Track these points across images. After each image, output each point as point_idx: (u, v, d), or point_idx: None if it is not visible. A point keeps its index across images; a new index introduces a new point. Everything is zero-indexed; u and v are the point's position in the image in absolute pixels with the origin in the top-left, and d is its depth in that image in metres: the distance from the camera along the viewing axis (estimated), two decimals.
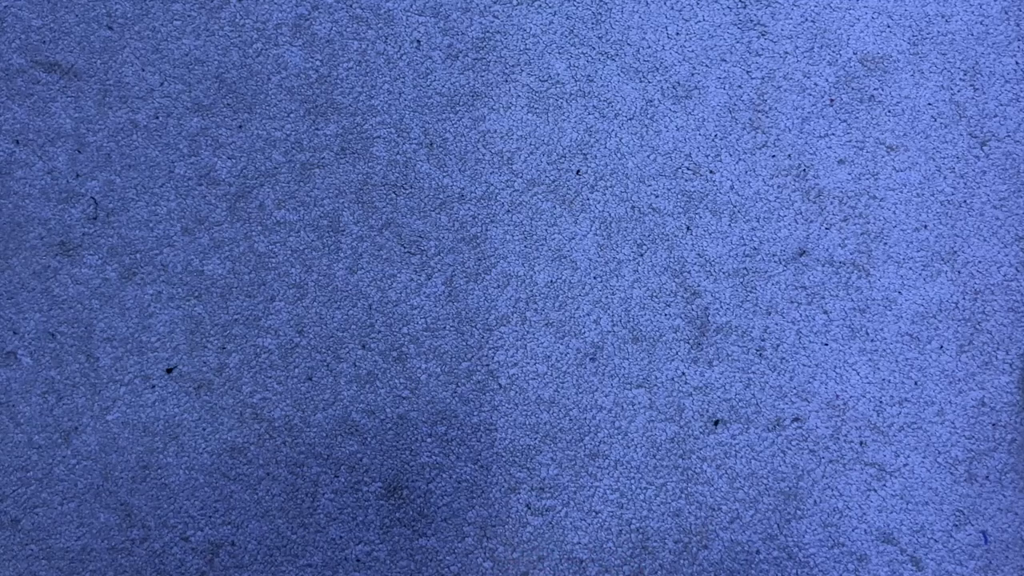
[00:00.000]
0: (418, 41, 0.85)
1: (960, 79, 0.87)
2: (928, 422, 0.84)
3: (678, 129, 0.86)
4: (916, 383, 0.84)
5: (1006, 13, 0.88)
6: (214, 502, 0.80)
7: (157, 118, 0.82)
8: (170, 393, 0.80)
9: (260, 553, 0.80)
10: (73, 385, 0.79)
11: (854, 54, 0.87)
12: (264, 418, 0.81)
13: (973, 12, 0.88)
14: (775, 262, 0.85)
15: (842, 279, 0.85)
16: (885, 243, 0.85)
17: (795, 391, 0.84)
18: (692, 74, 0.86)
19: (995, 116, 0.87)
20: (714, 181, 0.86)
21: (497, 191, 0.84)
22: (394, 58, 0.85)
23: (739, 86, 0.86)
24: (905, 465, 0.84)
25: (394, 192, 0.84)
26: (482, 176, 0.85)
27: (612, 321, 0.84)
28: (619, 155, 0.85)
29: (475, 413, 0.82)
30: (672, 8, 0.87)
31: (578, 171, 0.85)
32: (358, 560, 0.80)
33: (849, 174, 0.86)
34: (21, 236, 0.80)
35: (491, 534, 0.82)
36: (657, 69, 0.86)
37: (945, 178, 0.86)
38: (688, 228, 0.85)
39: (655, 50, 0.87)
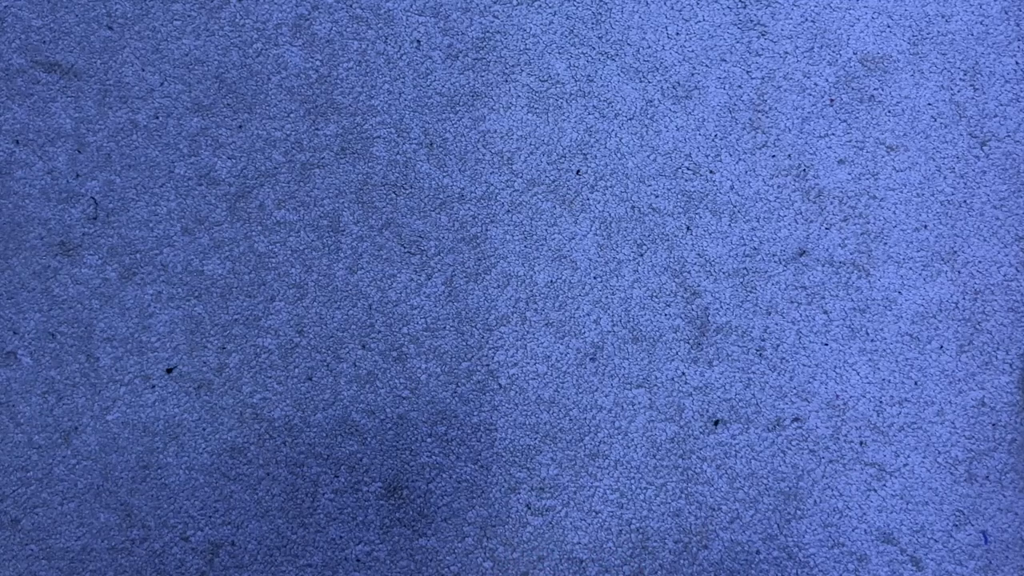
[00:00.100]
0: (418, 41, 0.85)
1: (960, 79, 0.87)
2: (928, 422, 0.84)
3: (678, 129, 0.86)
4: (916, 383, 0.84)
5: (1006, 13, 0.88)
6: (214, 502, 0.80)
7: (157, 118, 0.82)
8: (170, 393, 0.80)
9: (260, 553, 0.80)
10: (73, 385, 0.79)
11: (854, 54, 0.87)
12: (264, 418, 0.81)
13: (973, 12, 0.88)
14: (775, 262, 0.85)
15: (842, 279, 0.85)
16: (885, 243, 0.85)
17: (795, 391, 0.84)
18: (692, 74, 0.86)
19: (995, 116, 0.87)
20: (714, 181, 0.86)
21: (497, 191, 0.84)
22: (394, 58, 0.85)
23: (739, 86, 0.86)
24: (905, 465, 0.84)
25: (394, 192, 0.84)
26: (482, 176, 0.85)
27: (612, 321, 0.84)
28: (619, 155, 0.85)
29: (475, 413, 0.82)
30: (672, 8, 0.87)
31: (578, 171, 0.85)
32: (358, 560, 0.80)
33: (849, 174, 0.86)
34: (21, 236, 0.80)
35: (491, 534, 0.82)
36: (657, 69, 0.86)
37: (945, 178, 0.86)
38: (688, 228, 0.85)
39: (655, 50, 0.87)
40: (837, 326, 0.85)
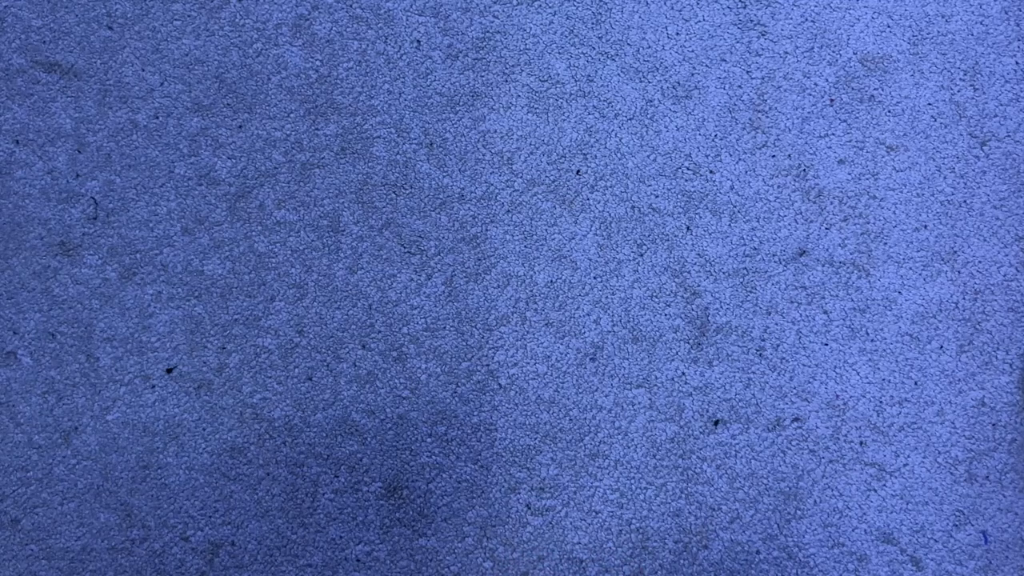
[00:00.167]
0: (418, 41, 0.85)
1: (960, 79, 0.87)
2: (928, 422, 0.84)
3: (678, 129, 0.86)
4: (916, 383, 0.84)
5: (1006, 13, 0.88)
6: (214, 502, 0.80)
7: (157, 118, 0.82)
8: (170, 393, 0.80)
9: (260, 553, 0.80)
10: (73, 385, 0.79)
11: (854, 54, 0.87)
12: (264, 418, 0.81)
13: (973, 12, 0.88)
14: (775, 262, 0.85)
15: (842, 279, 0.85)
16: (885, 243, 0.85)
17: (795, 391, 0.84)
18: (692, 74, 0.86)
19: (995, 116, 0.87)
20: (714, 181, 0.86)
21: (497, 191, 0.84)
22: (394, 58, 0.85)
23: (739, 86, 0.86)
24: (905, 465, 0.84)
25: (394, 192, 0.84)
26: (482, 176, 0.85)
27: (612, 321, 0.84)
28: (619, 155, 0.85)
29: (475, 413, 0.82)
30: (672, 8, 0.87)
31: (578, 171, 0.85)
32: (358, 560, 0.80)
33: (849, 174, 0.86)
34: (21, 236, 0.80)
35: (491, 534, 0.82)
36: (657, 69, 0.86)
37: (945, 178, 0.86)
38: (688, 228, 0.85)
39: (655, 50, 0.87)
40: (837, 326, 0.85)
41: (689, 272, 0.85)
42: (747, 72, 0.87)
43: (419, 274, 0.83)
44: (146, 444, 0.80)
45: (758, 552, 0.82)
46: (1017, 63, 0.88)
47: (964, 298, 0.85)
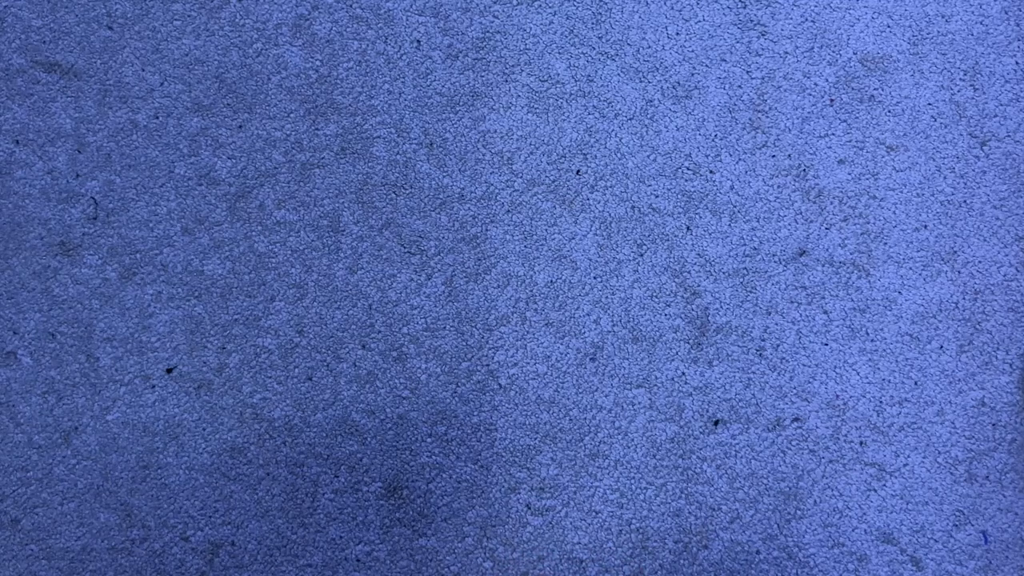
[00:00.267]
0: (418, 41, 0.85)
1: (960, 79, 0.87)
2: (928, 422, 0.84)
3: (678, 129, 0.86)
4: (916, 383, 0.84)
5: (1006, 13, 0.88)
6: (214, 502, 0.80)
7: (157, 118, 0.82)
8: (170, 393, 0.80)
9: (260, 553, 0.80)
10: (73, 385, 0.79)
11: (854, 54, 0.87)
12: (264, 418, 0.81)
13: (973, 12, 0.88)
14: (775, 262, 0.85)
15: (842, 279, 0.85)
16: (885, 243, 0.85)
17: (795, 391, 0.84)
18: (692, 74, 0.86)
19: (995, 116, 0.87)
20: (714, 181, 0.86)
21: (497, 191, 0.84)
22: (394, 58, 0.85)
23: (739, 86, 0.86)
24: (905, 465, 0.84)
25: (394, 192, 0.84)
26: (482, 176, 0.85)
27: (612, 321, 0.84)
28: (619, 155, 0.85)
29: (475, 413, 0.82)
30: (672, 8, 0.87)
31: (578, 171, 0.85)
32: (358, 560, 0.80)
33: (849, 174, 0.86)
34: (21, 236, 0.80)
35: (491, 534, 0.82)
36: (657, 69, 0.86)
37: (945, 178, 0.86)
38: (688, 228, 0.85)
39: (655, 50, 0.87)
40: (837, 326, 0.85)
41: (689, 272, 0.85)
42: (747, 72, 0.87)
43: (419, 274, 0.83)
44: (146, 444, 0.80)
45: (758, 552, 0.82)
46: (1017, 63, 0.88)
47: (964, 298, 0.85)
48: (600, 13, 0.86)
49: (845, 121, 0.87)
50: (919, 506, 0.83)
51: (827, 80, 0.87)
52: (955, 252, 0.86)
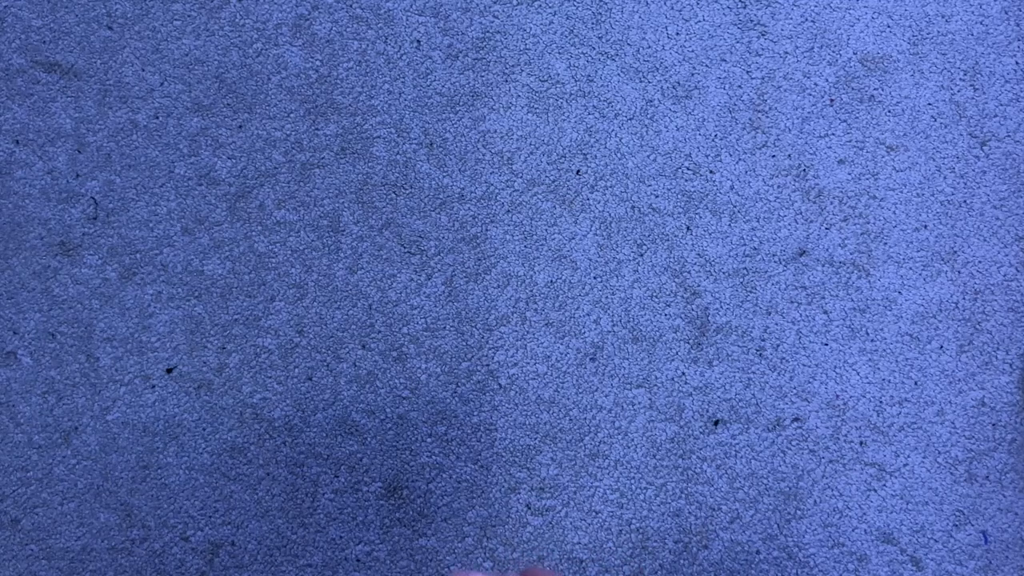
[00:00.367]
0: (418, 41, 0.85)
1: (960, 79, 0.87)
2: (928, 422, 0.84)
3: (678, 129, 0.86)
4: (916, 383, 0.84)
5: (1006, 13, 0.88)
6: (214, 502, 0.80)
7: (157, 118, 0.82)
8: (170, 393, 0.80)
9: (260, 553, 0.80)
10: (73, 385, 0.80)
11: (854, 54, 0.87)
12: (264, 418, 0.81)
13: (973, 12, 0.88)
14: (775, 262, 0.85)
15: (842, 279, 0.85)
16: (885, 243, 0.85)
17: (795, 391, 0.84)
18: (692, 74, 0.86)
19: (995, 116, 0.87)
20: (714, 181, 0.86)
21: (497, 191, 0.84)
22: (394, 58, 0.85)
23: (739, 86, 0.86)
24: (905, 465, 0.84)
25: (394, 192, 0.84)
26: (482, 176, 0.85)
27: (612, 321, 0.84)
28: (619, 155, 0.85)
29: (475, 413, 0.82)
30: (672, 8, 0.87)
31: (578, 171, 0.85)
32: (358, 560, 0.80)
33: (849, 174, 0.86)
34: (21, 236, 0.80)
35: (491, 534, 0.82)
36: (657, 69, 0.86)
37: (945, 178, 0.86)
38: (688, 228, 0.85)
39: (655, 50, 0.87)
40: (837, 326, 0.85)
41: (689, 272, 0.85)
42: (747, 72, 0.87)
43: (419, 274, 0.83)
44: (146, 444, 0.80)
45: (758, 552, 0.82)
46: (1017, 63, 0.88)
47: (964, 298, 0.85)
48: (600, 13, 0.86)
49: (845, 121, 0.87)
50: (919, 506, 0.83)
51: (827, 80, 0.87)
52: (955, 252, 0.86)
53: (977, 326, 0.85)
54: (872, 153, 0.86)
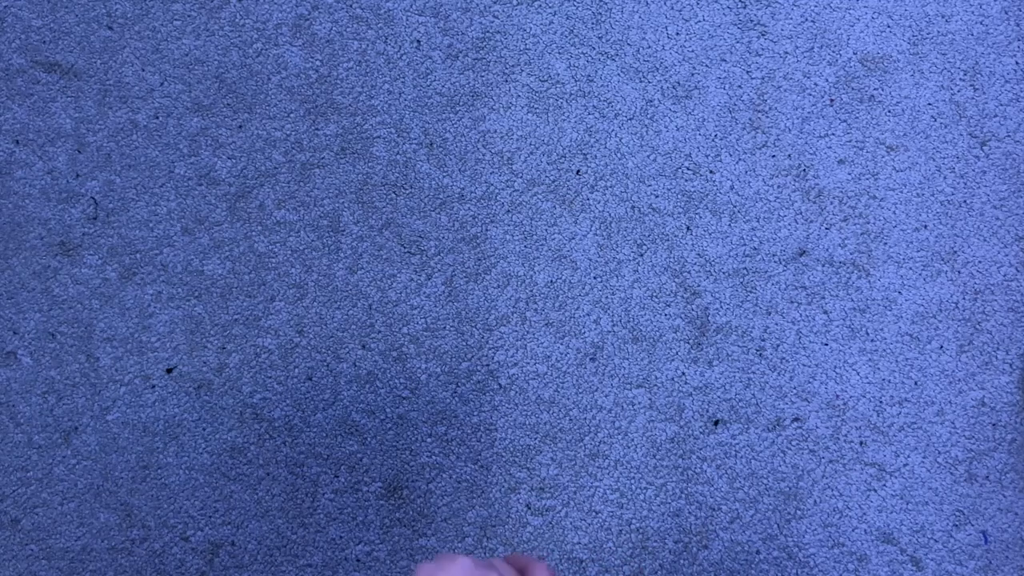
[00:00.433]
0: (418, 41, 0.85)
1: (960, 79, 0.87)
2: (928, 422, 0.84)
3: (678, 129, 0.86)
4: (916, 383, 0.84)
5: (1006, 13, 0.88)
6: (214, 502, 0.80)
7: (157, 118, 0.82)
8: (170, 393, 0.80)
9: (260, 553, 0.80)
10: (73, 385, 0.79)
11: (854, 54, 0.87)
12: (264, 418, 0.81)
13: (973, 12, 0.88)
14: (775, 262, 0.85)
15: (842, 279, 0.85)
16: (885, 243, 0.85)
17: (795, 391, 0.84)
18: (692, 74, 0.86)
19: (995, 116, 0.87)
20: (714, 181, 0.86)
21: (497, 191, 0.84)
22: (394, 58, 0.85)
23: (739, 86, 0.86)
24: (905, 465, 0.84)
25: (394, 192, 0.84)
26: (482, 176, 0.85)
27: (612, 321, 0.84)
28: (619, 155, 0.85)
29: (475, 413, 0.82)
30: (672, 8, 0.87)
31: (578, 171, 0.85)
32: (358, 560, 0.80)
33: (849, 174, 0.86)
34: (21, 236, 0.80)
35: (491, 534, 0.82)
36: (657, 69, 0.86)
37: (945, 178, 0.86)
38: (688, 228, 0.85)
39: (655, 50, 0.87)
40: (837, 326, 0.85)
41: (689, 272, 0.85)
42: (747, 72, 0.87)
43: (419, 274, 0.83)
44: (146, 444, 0.80)
45: (758, 552, 0.82)
46: (1017, 63, 0.88)
47: (964, 298, 0.85)
48: (600, 13, 0.86)
49: (845, 121, 0.87)
50: (919, 506, 0.83)
51: (827, 80, 0.87)
52: (955, 252, 0.86)
53: (977, 326, 0.85)
54: (872, 153, 0.86)
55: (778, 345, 0.84)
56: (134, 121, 0.82)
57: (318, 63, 0.84)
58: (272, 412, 0.81)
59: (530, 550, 0.81)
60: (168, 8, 0.83)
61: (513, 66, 0.86)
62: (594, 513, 0.82)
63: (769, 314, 0.85)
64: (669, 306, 0.84)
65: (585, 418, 0.83)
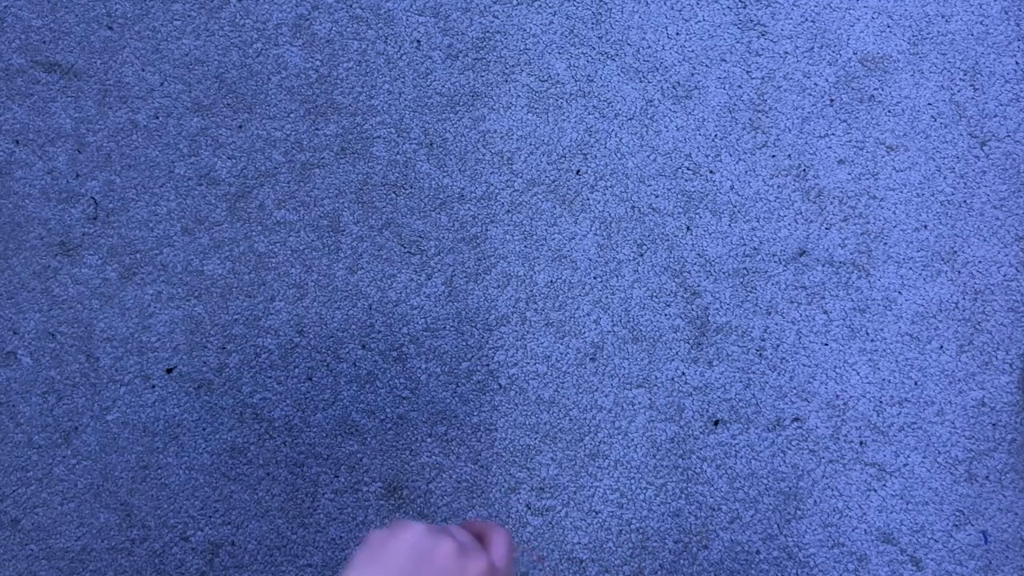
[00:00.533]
0: (418, 41, 0.85)
1: (960, 79, 0.87)
2: (928, 422, 0.84)
3: (678, 129, 0.86)
4: (916, 383, 0.84)
5: (1006, 13, 0.88)
6: (214, 502, 0.80)
7: (157, 118, 0.82)
8: (170, 393, 0.80)
9: (260, 553, 0.80)
10: (73, 385, 0.79)
11: (854, 54, 0.87)
12: (264, 418, 0.81)
13: (973, 12, 0.88)
14: (775, 262, 0.85)
15: (842, 279, 0.85)
16: (885, 243, 0.85)
17: (795, 391, 0.84)
18: (692, 74, 0.86)
19: (995, 116, 0.87)
20: (714, 181, 0.86)
21: (497, 191, 0.84)
22: (394, 58, 0.85)
23: (739, 86, 0.86)
24: (905, 465, 0.84)
25: (394, 192, 0.84)
26: (482, 176, 0.85)
27: (612, 321, 0.84)
28: (619, 155, 0.85)
29: (475, 413, 0.82)
30: (672, 8, 0.87)
31: (578, 171, 0.85)
32: None
33: (849, 174, 0.86)
34: (21, 236, 0.80)
35: None
36: (657, 69, 0.86)
37: (945, 178, 0.86)
38: (688, 228, 0.85)
39: (655, 50, 0.87)
40: (837, 326, 0.85)
41: (689, 272, 0.85)
42: (747, 72, 0.87)
43: (419, 274, 0.83)
44: (146, 444, 0.80)
45: (758, 552, 0.82)
46: (1017, 63, 0.88)
47: (964, 298, 0.85)
48: (600, 13, 0.86)
49: (845, 121, 0.87)
50: (919, 506, 0.83)
51: (827, 80, 0.87)
52: (955, 252, 0.86)
53: (977, 326, 0.85)
54: (872, 153, 0.86)
55: (778, 345, 0.84)
56: (134, 121, 0.82)
57: (318, 63, 0.84)
58: (272, 412, 0.81)
59: (530, 550, 0.82)
60: (168, 8, 0.83)
61: (513, 66, 0.86)
62: (594, 513, 0.82)
63: (769, 314, 0.85)
64: (669, 306, 0.84)
65: (585, 418, 0.83)
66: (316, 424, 0.81)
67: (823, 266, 0.85)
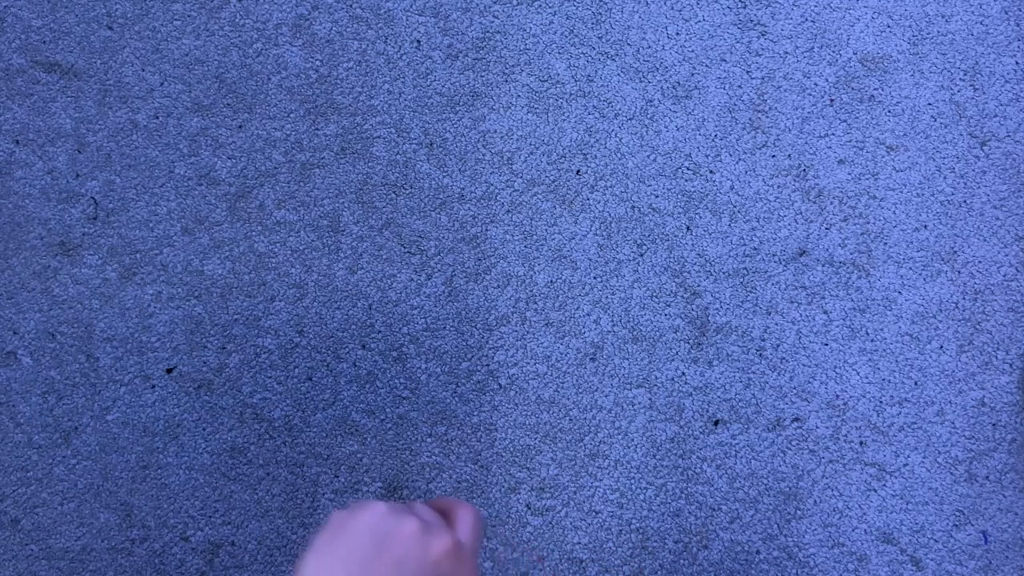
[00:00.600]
0: (418, 41, 0.85)
1: (960, 79, 0.87)
2: (928, 422, 0.84)
3: (678, 129, 0.86)
4: (916, 383, 0.84)
5: (1006, 13, 0.88)
6: (214, 502, 0.80)
7: (157, 118, 0.82)
8: (170, 393, 0.80)
9: (260, 553, 0.80)
10: (73, 385, 0.79)
11: (854, 54, 0.87)
12: (264, 418, 0.81)
13: (973, 12, 0.88)
14: (775, 262, 0.85)
15: (842, 279, 0.85)
16: (885, 243, 0.85)
17: (795, 391, 0.84)
18: (692, 74, 0.86)
19: (995, 116, 0.87)
20: (714, 181, 0.86)
21: (497, 191, 0.84)
22: (394, 58, 0.85)
23: (739, 86, 0.86)
24: (905, 465, 0.84)
25: (394, 192, 0.84)
26: (482, 176, 0.85)
27: (612, 321, 0.84)
28: (619, 155, 0.85)
29: (475, 413, 0.82)
30: (672, 8, 0.87)
31: (578, 171, 0.85)
32: None
33: (849, 174, 0.86)
34: (21, 236, 0.80)
35: (491, 534, 0.82)
36: (657, 69, 0.86)
37: (945, 178, 0.86)
38: (688, 228, 0.85)
39: (655, 50, 0.87)
40: (837, 326, 0.85)
41: (689, 272, 0.85)
42: (747, 72, 0.87)
43: (419, 274, 0.83)
44: (146, 444, 0.80)
45: (758, 552, 0.82)
46: (1017, 63, 0.88)
47: (964, 298, 0.85)
48: (600, 13, 0.86)
49: (845, 121, 0.87)
50: (919, 506, 0.83)
51: (827, 80, 0.87)
52: (955, 252, 0.86)
53: (977, 326, 0.85)
54: (872, 153, 0.86)
55: (778, 345, 0.84)
56: (134, 121, 0.82)
57: (318, 63, 0.84)
58: (272, 412, 0.81)
59: (530, 550, 0.82)
60: (168, 8, 0.83)
61: (513, 66, 0.86)
62: (594, 513, 0.82)
63: (769, 314, 0.85)
64: (669, 306, 0.84)
65: (585, 418, 0.83)
66: (316, 424, 0.81)
67: (823, 266, 0.85)
